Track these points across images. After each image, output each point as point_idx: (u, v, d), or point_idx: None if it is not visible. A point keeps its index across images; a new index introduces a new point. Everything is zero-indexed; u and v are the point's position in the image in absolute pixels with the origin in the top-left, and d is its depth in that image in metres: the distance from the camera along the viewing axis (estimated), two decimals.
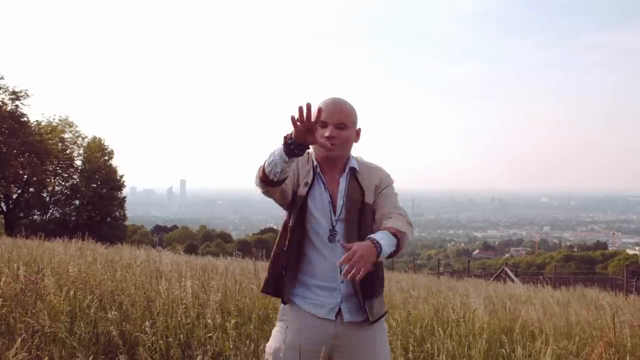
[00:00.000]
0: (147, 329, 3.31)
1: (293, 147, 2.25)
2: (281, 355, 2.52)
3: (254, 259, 11.88)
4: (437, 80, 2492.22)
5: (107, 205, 48.26)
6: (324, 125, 2.56)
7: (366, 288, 2.58)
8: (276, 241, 2.70)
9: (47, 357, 3.09)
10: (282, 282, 2.62)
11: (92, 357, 3.14)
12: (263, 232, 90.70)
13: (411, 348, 4.16)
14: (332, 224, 2.59)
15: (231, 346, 3.23)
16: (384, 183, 2.71)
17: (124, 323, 3.82)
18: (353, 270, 2.18)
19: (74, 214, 48.34)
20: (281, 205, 2.65)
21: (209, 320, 3.76)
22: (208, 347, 3.21)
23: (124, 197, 50.55)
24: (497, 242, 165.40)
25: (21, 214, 46.63)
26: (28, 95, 42.52)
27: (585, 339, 5.21)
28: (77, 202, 48.66)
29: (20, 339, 2.90)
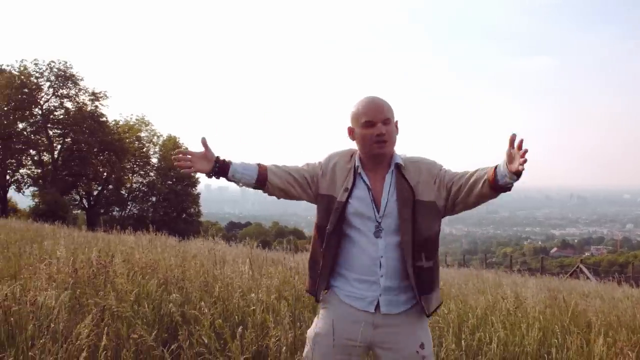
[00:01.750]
0: (204, 309, 3.54)
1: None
2: (319, 341, 2.67)
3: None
4: (505, 75, 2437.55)
5: (182, 201, 49.48)
6: (371, 124, 2.65)
7: (425, 284, 2.68)
8: (312, 243, 2.84)
9: (112, 332, 3.35)
10: (318, 282, 2.75)
11: (154, 333, 3.37)
12: None
13: (463, 336, 4.24)
14: (377, 220, 2.67)
15: (271, 319, 3.40)
16: (434, 171, 2.76)
17: (185, 305, 4.08)
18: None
19: (151, 210, 49.73)
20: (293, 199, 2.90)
21: (254, 299, 3.99)
22: (249, 319, 3.38)
23: (199, 194, 51.64)
24: (576, 240, 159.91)
25: (101, 210, 48.33)
26: (107, 97, 44.16)
27: None
28: (153, 198, 50.10)
29: (90, 316, 3.16)
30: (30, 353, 2.90)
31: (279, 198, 2.87)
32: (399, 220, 2.67)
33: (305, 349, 2.76)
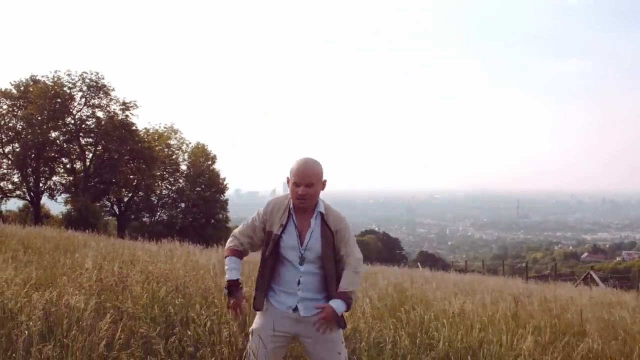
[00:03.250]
0: (202, 311, 4.50)
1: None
2: (259, 333, 3.64)
3: None
4: (539, 77, 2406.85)
5: (210, 207, 50.28)
6: (297, 185, 3.60)
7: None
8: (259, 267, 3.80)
9: (127, 328, 4.28)
10: (256, 294, 3.73)
11: (159, 330, 4.30)
12: (364, 233, 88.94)
13: (419, 335, 5.13)
14: (300, 252, 3.64)
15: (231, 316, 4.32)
16: (342, 230, 3.72)
17: (188, 308, 5.01)
18: (322, 327, 3.51)
19: (180, 216, 50.72)
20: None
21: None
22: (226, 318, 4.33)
23: (227, 200, 52.46)
24: (607, 245, 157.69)
25: (132, 217, 49.56)
26: (137, 106, 45.26)
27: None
28: (182, 204, 51.17)
29: (108, 316, 4.10)
30: (65, 341, 3.85)
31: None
32: (322, 256, 3.65)
33: (250, 341, 3.71)
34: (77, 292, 4.84)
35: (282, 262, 3.69)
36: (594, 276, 25.94)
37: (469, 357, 4.86)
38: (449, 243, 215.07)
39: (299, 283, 3.64)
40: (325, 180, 3.71)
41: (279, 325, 3.61)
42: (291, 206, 3.70)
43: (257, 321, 3.73)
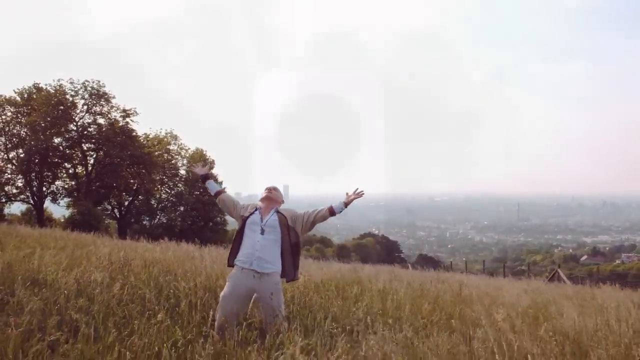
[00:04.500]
0: (183, 282, 6.38)
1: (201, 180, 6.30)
2: (225, 297, 5.38)
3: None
4: (539, 80, 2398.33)
5: (209, 210, 51.30)
6: (267, 188, 5.91)
7: (286, 265, 5.58)
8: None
9: (130, 292, 6.08)
10: (231, 256, 5.61)
11: (155, 295, 6.11)
12: (363, 236, 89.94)
13: (348, 305, 6.95)
14: (261, 226, 5.53)
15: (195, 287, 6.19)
16: (296, 214, 5.76)
17: (174, 282, 6.83)
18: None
19: (179, 219, 51.91)
20: (229, 215, 5.94)
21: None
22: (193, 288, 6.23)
23: None
24: (607, 248, 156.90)
25: (132, 220, 50.82)
26: (137, 113, 46.46)
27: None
28: (181, 208, 52.37)
29: (119, 285, 5.91)
30: (93, 293, 5.69)
31: (221, 209, 6.01)
32: (281, 232, 5.57)
33: (220, 301, 5.45)
34: (95, 271, 6.71)
35: (247, 234, 5.56)
36: (561, 274, 27.97)
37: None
38: (449, 246, 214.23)
39: (258, 245, 5.44)
40: (283, 201, 5.94)
41: (240, 284, 5.35)
42: (259, 207, 5.71)
43: (225, 289, 5.45)
